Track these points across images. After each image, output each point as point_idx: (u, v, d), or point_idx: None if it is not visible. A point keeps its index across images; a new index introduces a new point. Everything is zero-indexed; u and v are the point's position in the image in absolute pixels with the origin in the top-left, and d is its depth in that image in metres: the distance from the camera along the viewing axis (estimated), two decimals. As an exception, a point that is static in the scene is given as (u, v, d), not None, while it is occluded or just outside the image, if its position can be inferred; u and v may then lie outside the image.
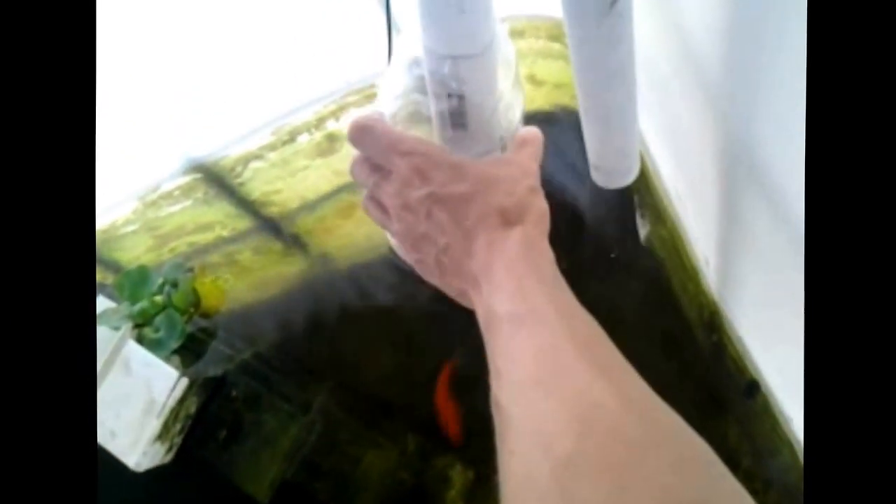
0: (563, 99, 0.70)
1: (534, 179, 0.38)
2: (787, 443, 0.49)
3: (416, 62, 0.42)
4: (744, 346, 0.52)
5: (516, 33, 0.74)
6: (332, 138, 0.73)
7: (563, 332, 0.30)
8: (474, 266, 0.34)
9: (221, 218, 0.69)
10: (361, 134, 0.38)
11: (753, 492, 0.49)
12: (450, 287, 0.37)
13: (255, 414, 0.55)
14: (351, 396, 0.55)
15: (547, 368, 0.29)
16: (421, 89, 0.43)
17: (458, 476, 0.51)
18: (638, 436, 0.26)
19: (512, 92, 0.46)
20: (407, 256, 0.38)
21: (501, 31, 0.45)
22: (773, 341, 0.49)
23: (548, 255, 0.35)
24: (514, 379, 0.30)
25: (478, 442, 0.52)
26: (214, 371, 0.59)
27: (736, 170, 0.45)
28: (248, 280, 0.64)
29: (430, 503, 0.50)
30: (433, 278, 0.38)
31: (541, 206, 0.37)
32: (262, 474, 0.53)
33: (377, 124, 0.38)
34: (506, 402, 0.29)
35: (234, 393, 0.57)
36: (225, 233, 0.68)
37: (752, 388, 0.51)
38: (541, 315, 0.31)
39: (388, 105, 0.43)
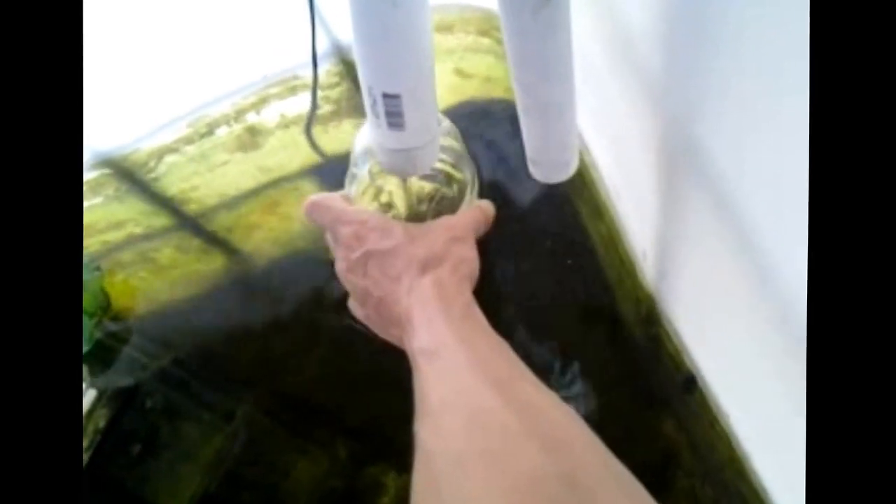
0: (494, 92, 0.70)
1: (460, 232, 0.45)
2: (725, 437, 0.50)
3: (368, 153, 0.48)
4: (681, 340, 0.53)
5: (445, 28, 0.74)
6: (253, 132, 0.70)
7: (464, 359, 0.36)
8: (401, 312, 0.40)
9: (134, 215, 0.66)
10: (313, 209, 0.46)
11: (690, 487, 0.50)
12: (391, 336, 0.43)
13: (173, 425, 0.53)
14: (278, 403, 0.53)
15: (450, 391, 0.34)
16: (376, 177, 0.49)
17: (392, 482, 0.51)
18: (516, 428, 0.31)
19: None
20: (358, 315, 0.45)
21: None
22: (710, 336, 0.50)
23: (461, 294, 0.41)
24: (425, 408, 0.35)
25: (412, 447, 0.52)
26: (126, 381, 0.56)
27: (674, 162, 0.46)
28: (166, 279, 0.61)
29: None
30: (379, 330, 0.44)
31: (461, 253, 0.44)
32: (181, 489, 0.50)
33: (326, 200, 0.46)
34: (419, 428, 0.34)
35: (148, 404, 0.54)
36: (139, 230, 0.64)
37: (690, 383, 0.52)
38: (447, 348, 0.37)
39: (350, 188, 0.50)
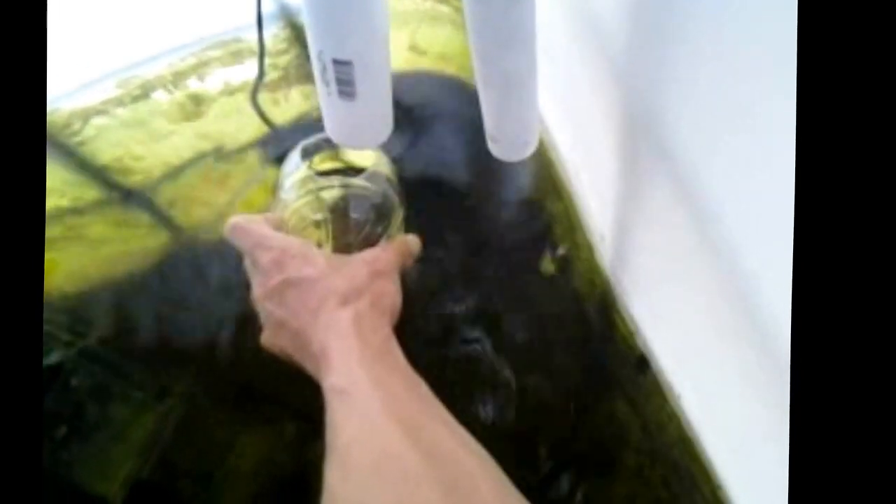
0: (448, 69, 0.70)
1: (383, 266, 0.46)
2: (675, 418, 0.52)
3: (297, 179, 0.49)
4: (634, 322, 0.55)
5: (401, -7, 0.74)
6: (197, 100, 0.68)
7: (376, 399, 0.37)
8: (317, 346, 0.40)
9: (59, 185, 0.62)
10: (233, 232, 0.46)
11: (639, 466, 0.51)
12: (306, 368, 0.42)
13: (101, 405, 0.51)
14: (218, 381, 0.52)
15: (359, 432, 0.35)
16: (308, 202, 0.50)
17: None
18: (421, 473, 0.33)
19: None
20: (271, 345, 0.44)
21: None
22: (663, 318, 0.51)
23: (379, 329, 0.42)
24: (334, 448, 0.36)
25: None
26: (48, 360, 0.53)
27: (636, 143, 0.47)
28: (99, 256, 0.58)
29: (313, 491, 0.48)
30: (294, 360, 0.43)
31: (382, 287, 0.44)
32: (112, 472, 0.48)
33: (249, 224, 0.46)
34: (327, 468, 0.35)
35: (73, 382, 0.52)
36: (65, 202, 0.61)
37: (642, 364, 0.53)
38: (360, 387, 0.37)
39: (282, 209, 0.50)
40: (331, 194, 0.50)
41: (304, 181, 0.48)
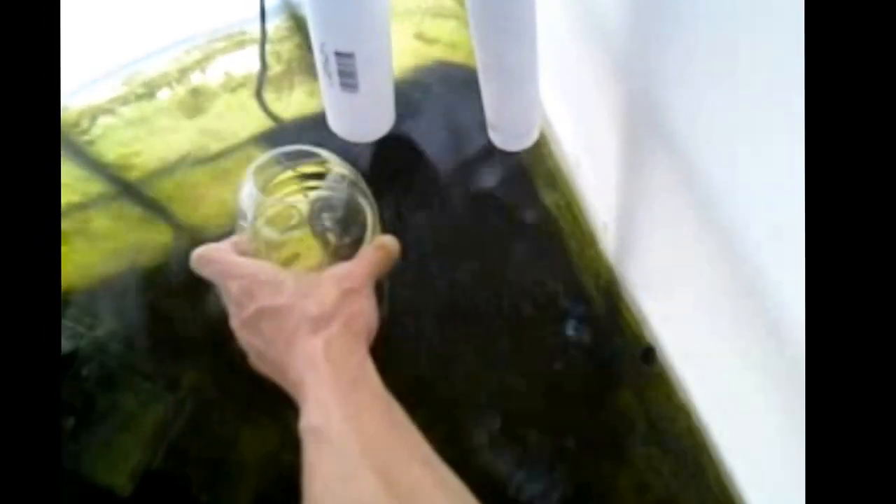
0: (455, 58, 0.70)
1: (354, 283, 0.44)
2: (683, 409, 0.52)
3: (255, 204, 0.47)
4: (640, 311, 0.55)
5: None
6: (197, 94, 0.68)
7: (351, 440, 0.36)
8: (293, 377, 0.40)
9: (70, 181, 0.63)
10: (200, 263, 0.46)
11: (647, 456, 0.51)
12: (292, 397, 0.42)
13: (110, 395, 0.52)
14: (225, 372, 0.52)
15: (333, 478, 0.35)
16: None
17: None
18: None
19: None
20: (260, 371, 0.44)
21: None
22: (670, 306, 0.51)
23: (352, 354, 0.41)
24: (309, 494, 0.36)
25: None
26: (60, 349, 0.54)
27: (637, 131, 0.47)
28: (106, 250, 0.59)
29: None
30: (283, 388, 0.43)
31: (353, 308, 0.43)
32: (120, 463, 0.49)
33: (213, 253, 0.45)
34: None
35: (84, 372, 0.52)
36: (76, 198, 0.62)
37: (649, 354, 0.53)
38: (333, 427, 0.37)
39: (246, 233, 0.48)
40: (293, 210, 0.49)
41: (263, 202, 0.46)
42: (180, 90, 0.69)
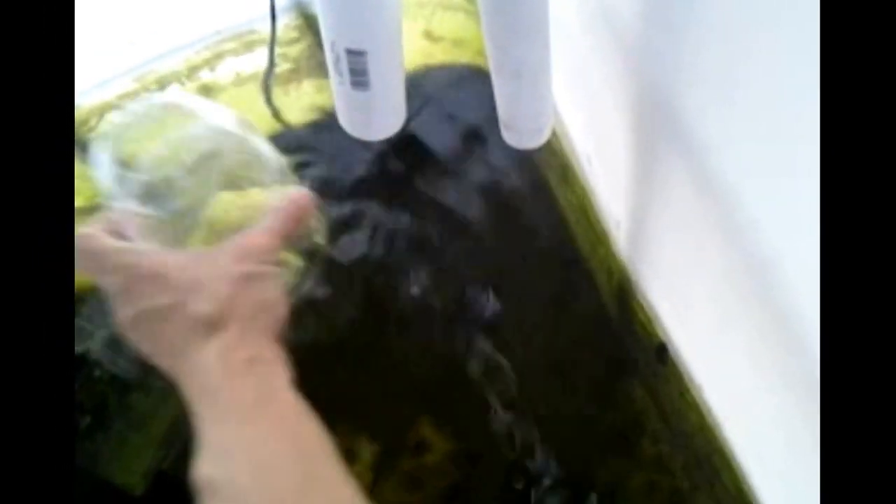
0: (462, 56, 0.70)
1: (253, 264, 0.35)
2: (695, 406, 0.52)
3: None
4: (653, 309, 0.55)
5: (415, -18, 0.74)
6: (207, 90, 0.69)
7: (248, 481, 0.31)
8: (188, 396, 0.34)
9: (79, 179, 0.63)
10: (77, 257, 0.36)
11: (658, 453, 0.51)
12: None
13: (123, 395, 0.52)
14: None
15: None
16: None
17: (364, 450, 0.51)
18: None
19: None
20: None
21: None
22: (682, 304, 0.51)
23: (255, 358, 0.34)
24: None
25: (382, 413, 0.53)
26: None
27: (650, 129, 0.47)
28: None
29: None
30: None
31: (254, 296, 0.35)
32: (133, 462, 0.49)
33: (89, 243, 0.36)
34: None
35: (97, 373, 0.53)
36: (80, 199, 0.62)
37: (662, 352, 0.53)
38: (233, 481, 0.31)
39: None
40: (169, 171, 0.39)
41: (122, 175, 0.38)
42: (190, 87, 0.69)
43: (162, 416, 0.52)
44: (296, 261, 0.42)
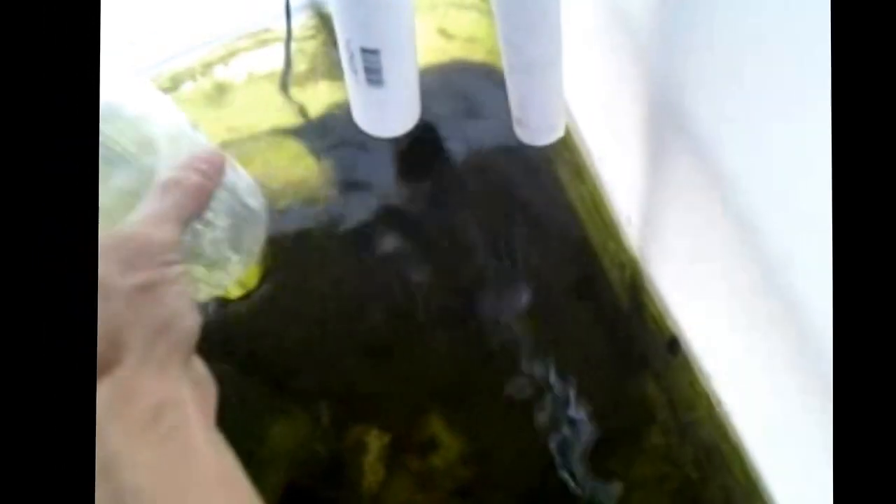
0: (476, 54, 0.70)
1: (144, 270, 0.26)
2: (705, 398, 0.53)
3: None
4: (664, 303, 0.55)
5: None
6: (221, 88, 0.69)
7: None
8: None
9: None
10: None
11: (668, 445, 0.52)
12: None
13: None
14: (258, 363, 0.53)
15: None
16: None
17: (375, 441, 0.52)
18: None
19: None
20: None
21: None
22: (693, 298, 0.52)
23: (160, 397, 0.26)
24: None
25: (392, 404, 0.54)
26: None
27: (660, 125, 0.47)
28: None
29: (347, 472, 0.51)
30: None
31: (151, 315, 0.26)
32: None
33: None
34: None
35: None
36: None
37: (674, 345, 0.54)
38: None
39: None
40: None
41: None
42: (204, 83, 0.70)
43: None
44: (213, 252, 0.31)
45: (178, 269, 0.27)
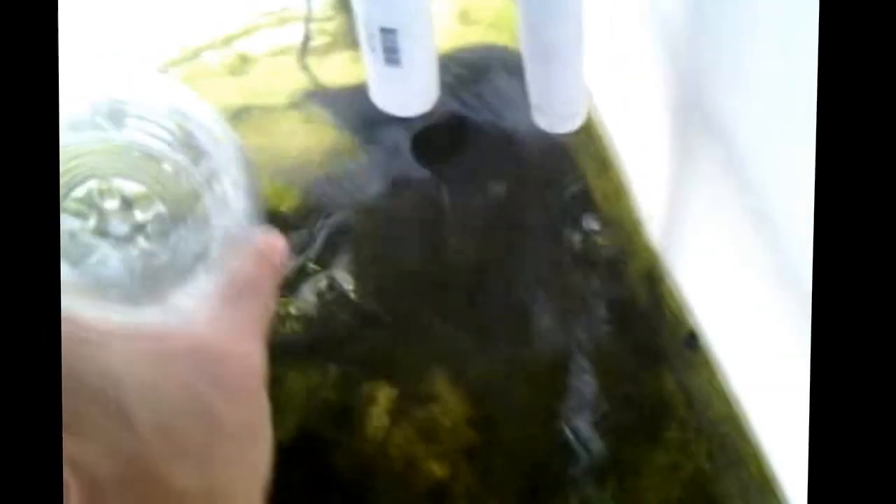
0: (498, 39, 0.70)
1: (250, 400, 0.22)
2: (722, 393, 0.52)
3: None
4: (683, 298, 0.55)
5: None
6: (244, 59, 0.70)
7: None
8: None
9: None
10: None
11: (684, 439, 0.52)
12: None
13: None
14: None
15: None
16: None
17: (383, 394, 0.52)
18: None
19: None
20: None
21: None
22: (712, 293, 0.52)
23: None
24: None
25: (401, 359, 0.54)
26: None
27: (685, 120, 0.47)
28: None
29: (355, 421, 0.51)
30: None
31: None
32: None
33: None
34: None
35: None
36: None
37: (692, 339, 0.54)
38: None
39: None
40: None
41: None
42: (226, 52, 0.70)
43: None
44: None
45: (260, 388, 0.22)
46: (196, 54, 0.70)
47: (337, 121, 0.63)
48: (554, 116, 0.59)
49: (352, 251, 0.57)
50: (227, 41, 0.71)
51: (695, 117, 0.45)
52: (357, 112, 0.63)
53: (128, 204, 0.26)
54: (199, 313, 0.23)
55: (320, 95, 0.67)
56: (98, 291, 0.24)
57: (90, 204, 0.26)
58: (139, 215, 0.26)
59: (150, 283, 0.25)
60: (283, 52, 0.70)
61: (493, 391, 0.53)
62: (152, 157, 0.26)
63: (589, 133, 0.63)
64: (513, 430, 0.52)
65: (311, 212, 0.59)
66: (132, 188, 0.26)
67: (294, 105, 0.66)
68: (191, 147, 0.27)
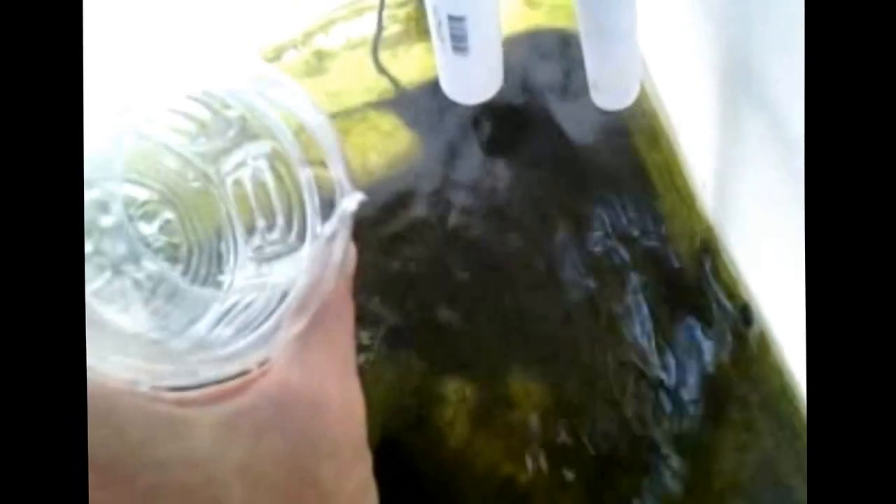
0: (560, 21, 0.71)
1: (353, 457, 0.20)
2: (777, 370, 0.52)
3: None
4: (738, 271, 0.55)
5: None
6: (320, 56, 0.73)
7: None
8: None
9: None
10: None
11: (749, 420, 0.52)
12: None
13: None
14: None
15: None
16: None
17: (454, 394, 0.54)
18: None
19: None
20: None
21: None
22: (768, 267, 0.52)
23: None
24: None
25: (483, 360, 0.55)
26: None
27: (737, 90, 0.47)
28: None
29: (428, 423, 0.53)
30: None
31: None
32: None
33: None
34: None
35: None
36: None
37: (747, 314, 0.54)
38: None
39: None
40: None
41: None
42: (304, 51, 0.74)
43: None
44: None
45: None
46: (277, 55, 0.74)
47: (408, 117, 0.66)
48: (609, 93, 0.59)
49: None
50: (306, 38, 0.74)
51: (744, 86, 0.46)
52: (428, 106, 0.65)
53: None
54: (279, 355, 0.19)
55: (396, 95, 0.69)
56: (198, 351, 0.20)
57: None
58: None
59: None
60: (358, 44, 0.73)
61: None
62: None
63: (641, 106, 0.62)
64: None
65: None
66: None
67: (373, 109, 0.69)
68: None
